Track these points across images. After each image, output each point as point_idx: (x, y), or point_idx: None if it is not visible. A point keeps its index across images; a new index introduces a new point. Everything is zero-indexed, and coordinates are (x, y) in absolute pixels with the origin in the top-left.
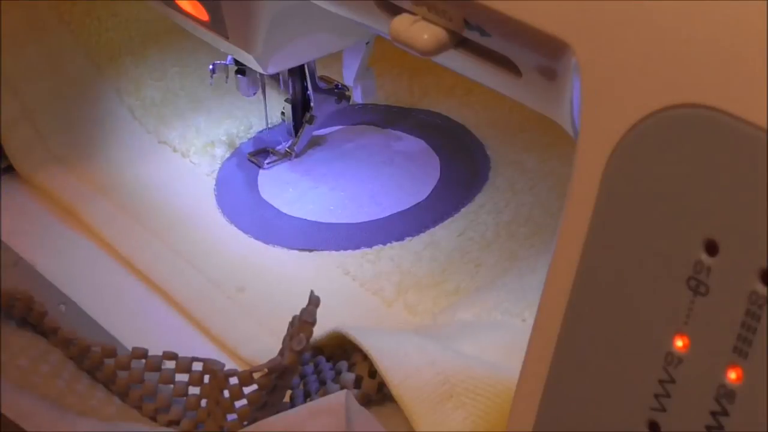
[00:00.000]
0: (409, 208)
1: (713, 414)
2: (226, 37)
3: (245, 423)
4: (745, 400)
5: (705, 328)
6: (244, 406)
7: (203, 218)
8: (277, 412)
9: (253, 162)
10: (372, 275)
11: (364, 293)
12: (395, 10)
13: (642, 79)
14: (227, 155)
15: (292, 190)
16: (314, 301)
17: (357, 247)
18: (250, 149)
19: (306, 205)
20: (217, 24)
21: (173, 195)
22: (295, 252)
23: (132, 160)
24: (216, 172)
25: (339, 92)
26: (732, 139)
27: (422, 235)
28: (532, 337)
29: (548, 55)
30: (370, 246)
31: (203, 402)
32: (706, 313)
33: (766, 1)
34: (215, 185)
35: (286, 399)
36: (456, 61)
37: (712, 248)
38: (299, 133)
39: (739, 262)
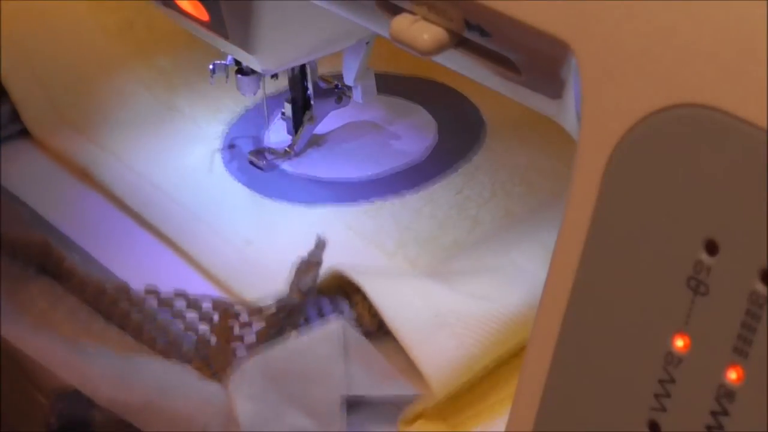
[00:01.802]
0: (406, 168)
1: (713, 414)
2: (226, 37)
3: (251, 356)
4: (745, 400)
5: (705, 328)
6: (252, 342)
7: (211, 177)
8: None
9: (252, 162)
10: (372, 229)
11: (366, 246)
12: (395, 10)
13: (642, 79)
14: (234, 119)
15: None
16: (320, 244)
17: (356, 201)
18: (255, 118)
19: (309, 163)
20: (217, 24)
21: (182, 156)
22: (299, 207)
23: (142, 125)
24: (222, 134)
25: (339, 92)
26: (732, 139)
27: (421, 192)
28: (532, 337)
29: (548, 54)
30: (369, 201)
31: (213, 339)
32: (706, 313)
33: (766, 1)
34: (222, 146)
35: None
36: (456, 61)
37: (712, 248)
38: (299, 133)
39: (739, 262)
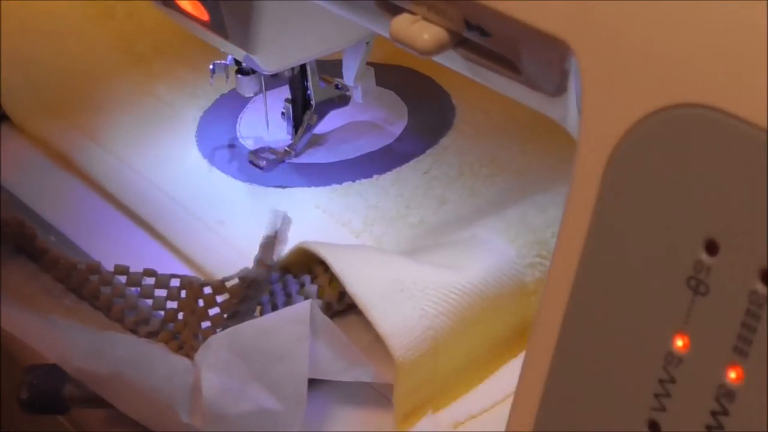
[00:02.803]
0: (377, 150)
1: (713, 414)
2: (226, 37)
3: (217, 330)
4: (745, 400)
5: (705, 327)
6: (217, 313)
7: (186, 160)
8: None
9: (253, 162)
10: (341, 209)
11: (334, 225)
12: (395, 10)
13: (642, 79)
14: (209, 105)
15: (269, 135)
16: (284, 221)
17: (328, 184)
18: (230, 106)
19: (281, 147)
20: (217, 24)
21: (158, 139)
22: (271, 189)
23: (120, 110)
24: (199, 119)
25: (339, 92)
26: (732, 139)
27: (389, 173)
28: (532, 337)
29: (548, 55)
30: (340, 183)
31: (180, 315)
32: (706, 313)
33: (766, 1)
34: (197, 131)
35: (257, 314)
36: (456, 61)
37: (712, 248)
38: (299, 133)
39: (739, 262)
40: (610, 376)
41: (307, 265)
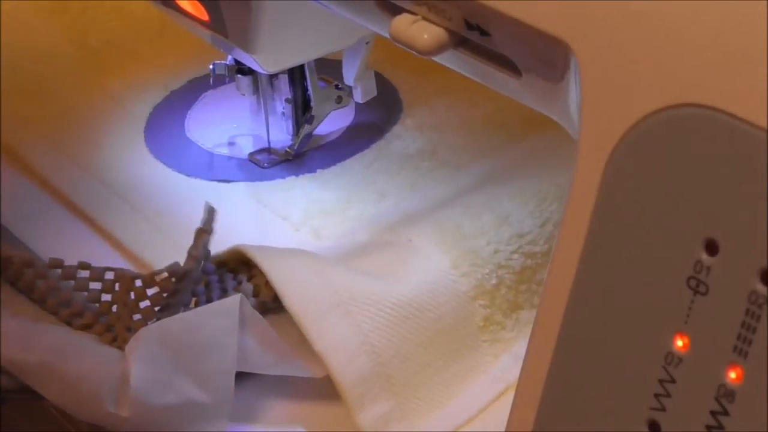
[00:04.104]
0: (323, 146)
1: (713, 414)
2: (226, 37)
3: (149, 323)
4: (745, 400)
5: (705, 327)
6: (147, 306)
7: (131, 155)
8: None
9: (253, 162)
10: (281, 203)
11: (274, 218)
12: (395, 10)
13: (642, 79)
14: (159, 100)
15: (217, 131)
16: (210, 213)
17: (271, 179)
18: (180, 96)
19: (228, 143)
20: (217, 24)
21: (105, 133)
22: (215, 183)
23: (68, 102)
24: (148, 114)
25: (339, 92)
26: (732, 139)
27: (332, 167)
28: (531, 337)
29: (548, 55)
30: (283, 177)
31: (114, 307)
32: (706, 313)
33: (766, 1)
34: (145, 126)
35: (192, 305)
36: (456, 61)
37: (712, 248)
38: (299, 133)
39: (739, 262)
40: (610, 376)
41: (246, 263)
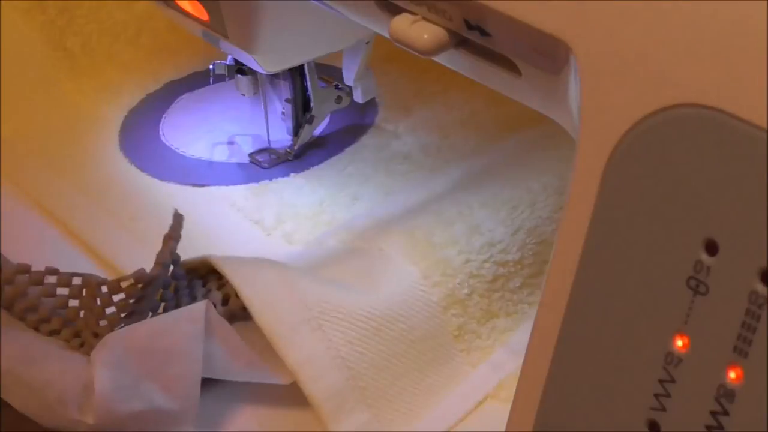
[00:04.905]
0: (273, 159)
1: (713, 414)
2: (226, 37)
3: (115, 329)
4: (745, 400)
5: (705, 328)
6: (113, 312)
7: (105, 158)
8: None
9: (254, 162)
10: (254, 207)
11: (246, 223)
12: (395, 10)
13: (642, 79)
14: (134, 104)
15: (192, 134)
16: (177, 219)
17: (245, 183)
18: (158, 102)
19: (202, 147)
20: (217, 24)
21: (80, 136)
22: (188, 187)
23: (43, 105)
24: (123, 118)
25: (339, 92)
26: (732, 139)
27: (306, 171)
28: (532, 336)
29: (548, 55)
30: (257, 181)
31: (81, 313)
32: (706, 313)
33: (766, 1)
34: (120, 129)
35: (161, 311)
36: (456, 61)
37: (712, 248)
38: (299, 133)
39: (739, 262)
40: (610, 376)
41: (216, 271)
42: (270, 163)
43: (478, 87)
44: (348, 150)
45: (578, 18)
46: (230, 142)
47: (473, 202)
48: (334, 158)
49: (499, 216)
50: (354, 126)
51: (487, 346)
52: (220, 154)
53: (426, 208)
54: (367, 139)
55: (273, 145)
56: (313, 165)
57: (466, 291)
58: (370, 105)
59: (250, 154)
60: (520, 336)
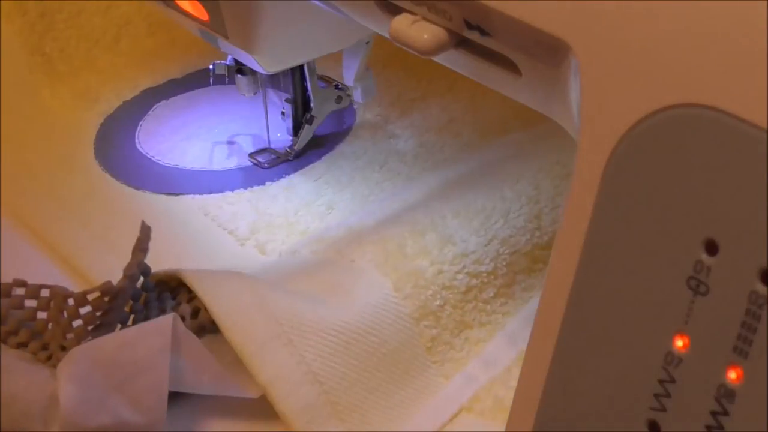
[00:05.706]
0: (273, 158)
1: (713, 414)
2: (226, 37)
3: (82, 341)
4: (745, 400)
5: (705, 328)
6: (80, 325)
7: (80, 166)
8: None
9: (254, 162)
10: (229, 216)
11: (220, 232)
12: (395, 10)
13: (642, 79)
14: (111, 111)
15: (167, 142)
16: (144, 231)
17: (220, 191)
18: (135, 109)
19: (178, 155)
20: (217, 24)
21: (54, 143)
22: (163, 196)
23: (18, 110)
24: (99, 125)
25: (339, 92)
26: (732, 139)
27: (282, 180)
28: (532, 337)
29: (548, 55)
30: (232, 190)
31: (49, 325)
32: (706, 313)
33: (766, 1)
34: (96, 137)
35: (130, 323)
36: (456, 61)
37: (712, 248)
38: (299, 133)
39: (739, 262)
40: (610, 376)
41: (184, 283)
42: (270, 163)
43: (456, 94)
44: (325, 158)
45: (579, 18)
46: (230, 142)
47: (446, 211)
48: (309, 166)
49: (472, 225)
50: (330, 134)
51: (460, 357)
52: (197, 163)
53: (400, 218)
54: (343, 147)
55: (273, 146)
56: (289, 173)
57: (438, 302)
58: (348, 112)
59: (250, 154)
60: (494, 347)
